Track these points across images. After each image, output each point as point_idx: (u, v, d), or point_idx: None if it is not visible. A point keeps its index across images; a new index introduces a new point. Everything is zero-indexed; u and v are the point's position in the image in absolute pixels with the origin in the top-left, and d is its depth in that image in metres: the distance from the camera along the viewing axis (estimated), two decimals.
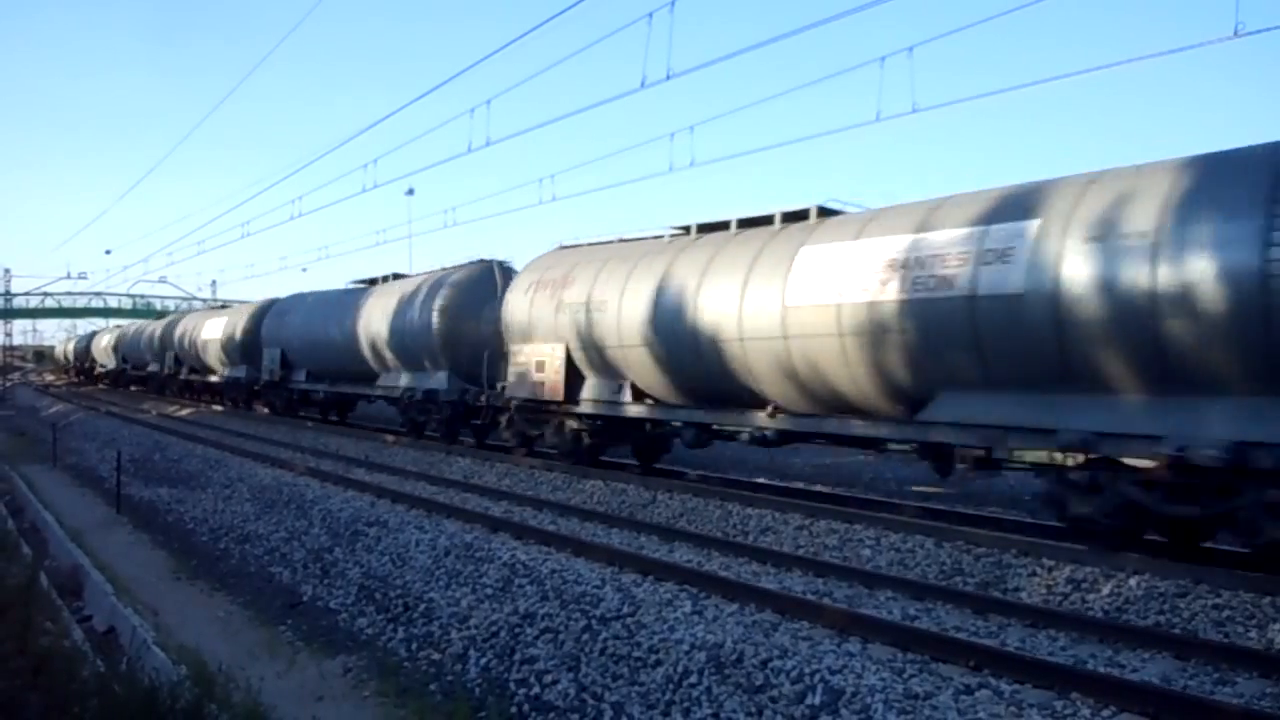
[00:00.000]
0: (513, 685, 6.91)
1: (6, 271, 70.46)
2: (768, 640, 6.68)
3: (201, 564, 11.90)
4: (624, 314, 14.10)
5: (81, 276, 69.89)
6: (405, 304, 21.79)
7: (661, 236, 14.94)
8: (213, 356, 35.20)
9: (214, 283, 74.86)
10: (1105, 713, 5.55)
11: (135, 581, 10.72)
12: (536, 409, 16.40)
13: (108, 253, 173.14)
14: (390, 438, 21.67)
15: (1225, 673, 6.36)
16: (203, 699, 5.81)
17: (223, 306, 42.63)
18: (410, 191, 48.82)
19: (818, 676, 5.93)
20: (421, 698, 7.00)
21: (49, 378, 71.98)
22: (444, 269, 22.01)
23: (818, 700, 5.71)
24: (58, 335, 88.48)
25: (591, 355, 15.06)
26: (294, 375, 28.51)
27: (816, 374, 11.37)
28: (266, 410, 31.13)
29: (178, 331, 39.85)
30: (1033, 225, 9.32)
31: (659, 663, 6.58)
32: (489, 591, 8.61)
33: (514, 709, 6.62)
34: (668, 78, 13.28)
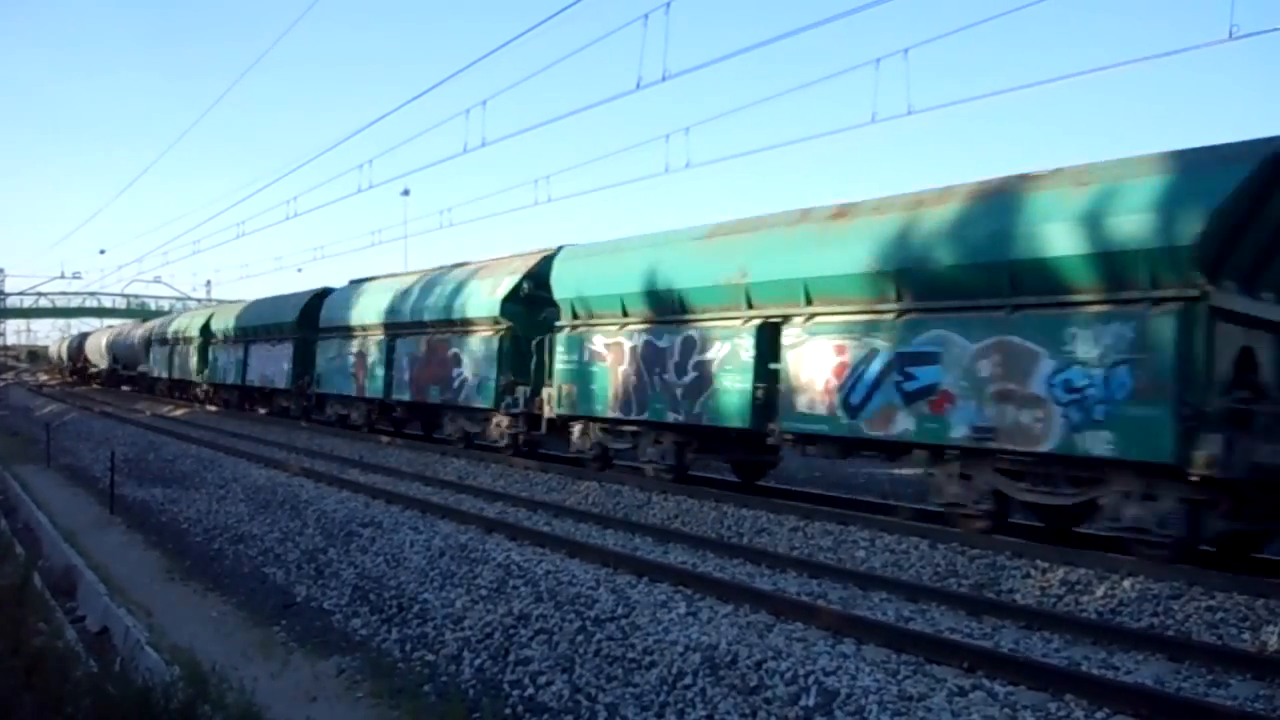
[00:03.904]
0: (507, 686, 6.90)
1: (0, 271, 70.45)
2: (762, 641, 6.68)
3: (195, 564, 11.87)
4: None
5: (76, 276, 70.05)
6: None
7: None
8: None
9: (209, 283, 75.02)
10: (1099, 715, 5.55)
11: (129, 582, 10.70)
12: None
13: (102, 252, 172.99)
14: (385, 438, 21.66)
15: (1219, 675, 6.38)
16: (196, 699, 5.79)
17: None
18: (406, 192, 49.06)
19: (812, 678, 5.94)
20: (415, 699, 6.99)
21: (43, 378, 71.72)
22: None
23: (812, 702, 5.72)
24: (52, 335, 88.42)
25: None
26: None
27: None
28: (263, 410, 31.60)
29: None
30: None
31: (653, 664, 6.58)
32: (484, 592, 8.60)
33: (508, 710, 6.61)
34: (664, 79, 13.35)
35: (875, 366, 11.02)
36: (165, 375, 40.38)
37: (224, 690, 6.35)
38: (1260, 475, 8.34)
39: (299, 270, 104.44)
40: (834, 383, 11.42)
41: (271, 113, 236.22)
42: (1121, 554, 8.99)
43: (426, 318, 20.20)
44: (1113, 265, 9.02)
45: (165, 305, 68.07)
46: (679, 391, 13.59)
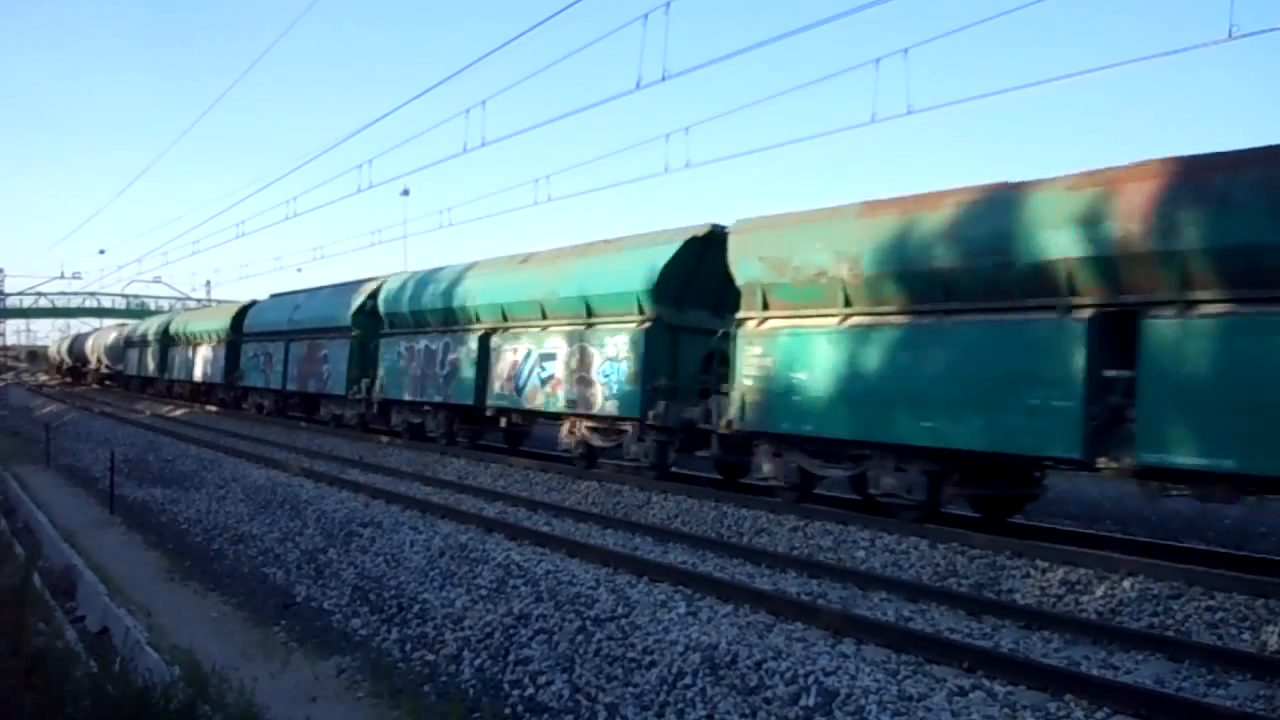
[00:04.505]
0: (507, 686, 6.90)
1: (0, 271, 70.42)
2: (762, 641, 6.68)
3: (195, 565, 11.87)
4: None
5: (75, 276, 69.94)
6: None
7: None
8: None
9: (209, 283, 74.94)
10: (1099, 715, 5.56)
11: (128, 582, 10.69)
12: None
13: (101, 252, 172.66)
14: (385, 438, 21.66)
15: (1219, 675, 6.38)
16: (196, 700, 5.80)
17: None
18: (405, 192, 49.04)
19: (812, 678, 5.94)
20: (415, 699, 6.99)
21: (42, 378, 71.71)
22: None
23: (812, 701, 5.72)
24: (51, 335, 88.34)
25: None
26: None
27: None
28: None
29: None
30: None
31: (653, 664, 6.58)
32: (483, 592, 8.61)
33: (508, 710, 6.61)
34: (663, 79, 13.34)
35: (530, 362, 16.95)
36: (136, 373, 45.32)
37: (224, 690, 6.36)
38: (684, 424, 13.96)
39: (299, 270, 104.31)
40: (511, 372, 17.40)
41: (271, 113, 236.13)
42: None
43: (308, 326, 25.97)
44: (622, 301, 15.03)
45: (165, 305, 68.01)
46: (442, 380, 19.42)
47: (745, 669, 6.20)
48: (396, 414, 21.68)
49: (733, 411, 12.60)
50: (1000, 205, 9.89)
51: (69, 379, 63.51)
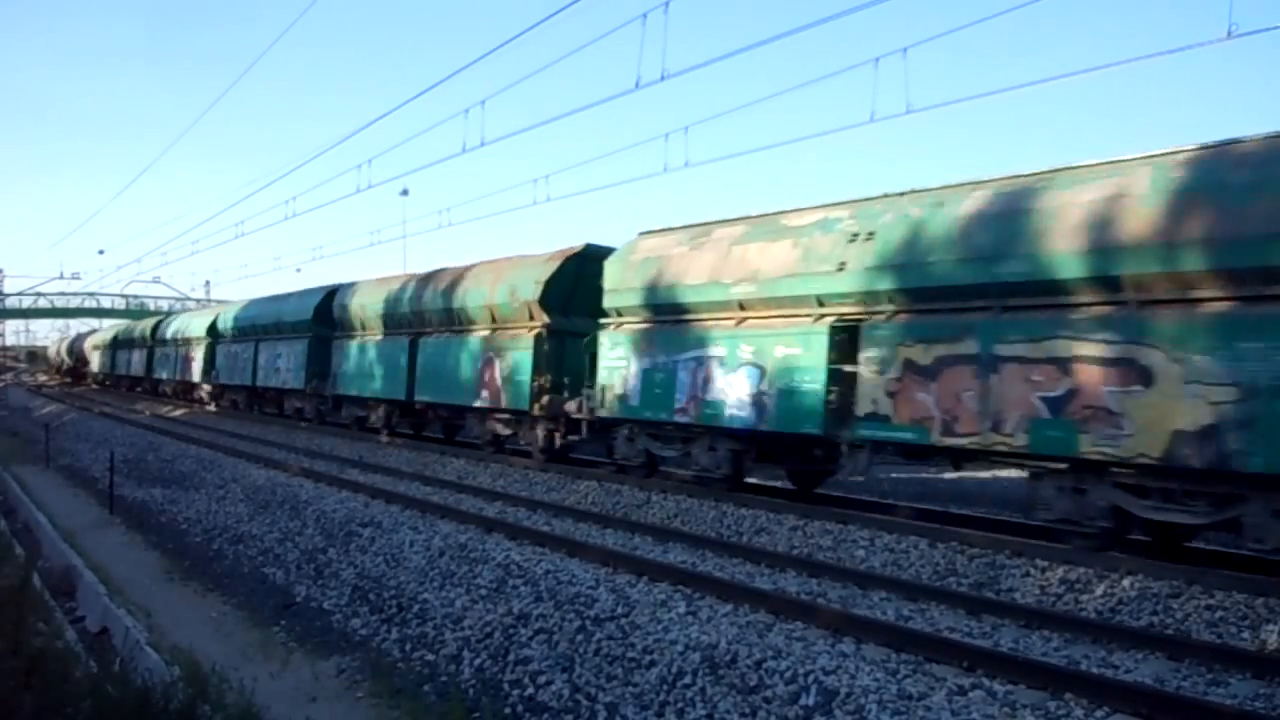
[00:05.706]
0: (507, 686, 6.90)
1: (0, 271, 70.41)
2: (762, 641, 6.68)
3: (195, 565, 11.86)
4: None
5: (75, 277, 69.90)
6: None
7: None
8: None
9: (208, 283, 74.97)
10: (1099, 713, 5.56)
11: (128, 582, 10.69)
12: None
13: (101, 253, 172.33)
14: (385, 438, 21.67)
15: (1219, 674, 6.38)
16: (196, 700, 5.79)
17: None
18: (405, 192, 49.18)
19: (812, 677, 5.94)
20: (415, 699, 6.99)
21: (42, 378, 71.67)
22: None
23: (811, 701, 5.72)
24: (50, 336, 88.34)
25: None
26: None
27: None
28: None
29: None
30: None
31: (653, 663, 6.58)
32: (483, 592, 8.60)
33: (508, 710, 6.61)
34: (662, 78, 13.31)
35: (271, 359, 28.62)
36: (98, 369, 56.98)
37: (224, 690, 6.36)
38: (324, 392, 25.32)
39: (298, 270, 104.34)
40: (266, 365, 29.22)
41: (270, 113, 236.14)
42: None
43: (191, 335, 37.56)
44: (300, 325, 27.43)
45: (164, 306, 67.99)
46: (240, 369, 31.25)
47: (745, 668, 6.21)
48: (226, 395, 33.74)
49: (333, 384, 24.28)
50: (451, 281, 19.87)
51: (68, 379, 63.52)
